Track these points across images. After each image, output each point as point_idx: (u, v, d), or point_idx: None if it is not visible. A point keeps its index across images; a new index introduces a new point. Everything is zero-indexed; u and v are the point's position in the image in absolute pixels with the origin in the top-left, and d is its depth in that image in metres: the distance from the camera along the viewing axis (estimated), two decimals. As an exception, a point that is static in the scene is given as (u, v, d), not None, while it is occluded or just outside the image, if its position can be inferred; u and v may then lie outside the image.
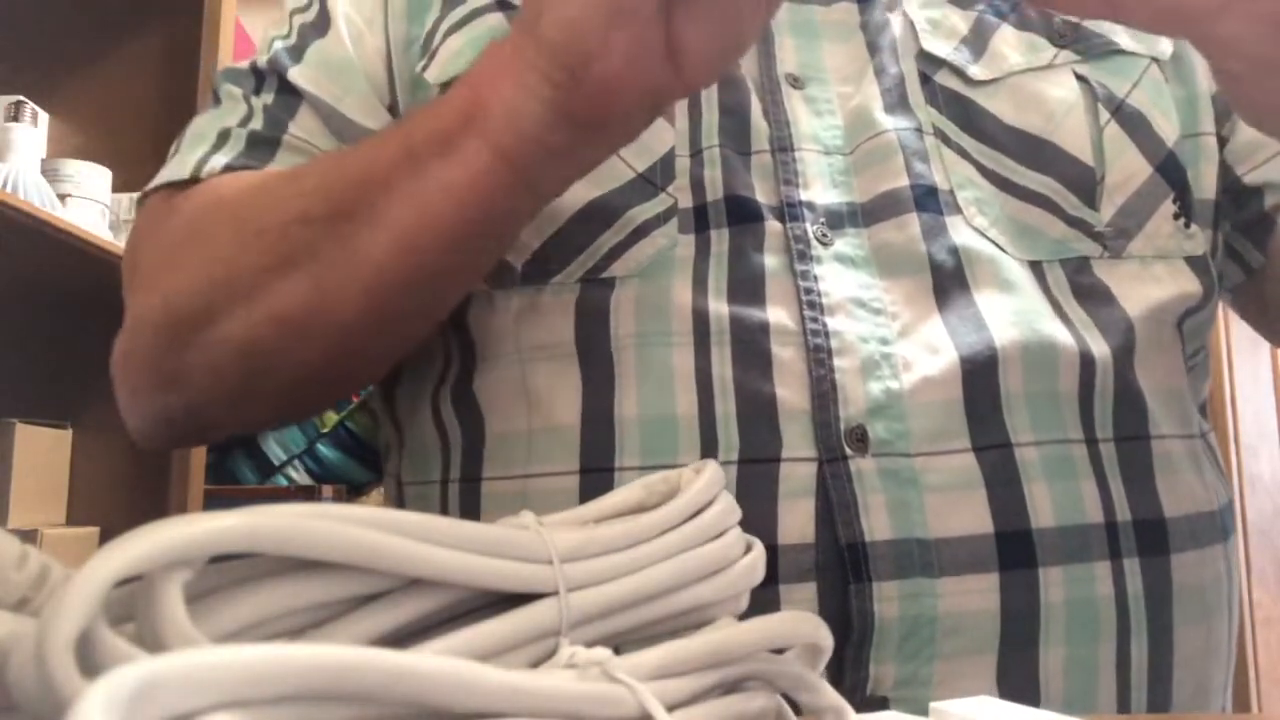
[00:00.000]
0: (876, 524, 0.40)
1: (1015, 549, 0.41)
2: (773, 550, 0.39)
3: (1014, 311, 0.44)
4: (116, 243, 1.27)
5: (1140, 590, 0.42)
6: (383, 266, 0.40)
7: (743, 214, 0.45)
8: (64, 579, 0.19)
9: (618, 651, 0.21)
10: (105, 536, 1.31)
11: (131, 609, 0.17)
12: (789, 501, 0.40)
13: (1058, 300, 0.45)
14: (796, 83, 0.49)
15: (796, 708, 0.25)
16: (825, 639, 0.25)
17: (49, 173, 1.28)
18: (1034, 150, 0.48)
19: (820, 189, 0.46)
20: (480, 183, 0.37)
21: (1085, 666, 0.41)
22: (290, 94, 0.50)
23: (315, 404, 0.50)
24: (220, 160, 0.48)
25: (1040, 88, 0.49)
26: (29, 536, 1.19)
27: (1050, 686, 0.41)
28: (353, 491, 1.64)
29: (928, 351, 0.43)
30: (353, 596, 0.20)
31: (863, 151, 0.47)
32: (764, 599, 0.28)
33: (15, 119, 1.30)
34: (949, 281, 0.44)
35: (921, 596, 0.39)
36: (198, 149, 0.49)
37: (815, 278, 0.44)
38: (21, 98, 1.32)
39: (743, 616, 0.25)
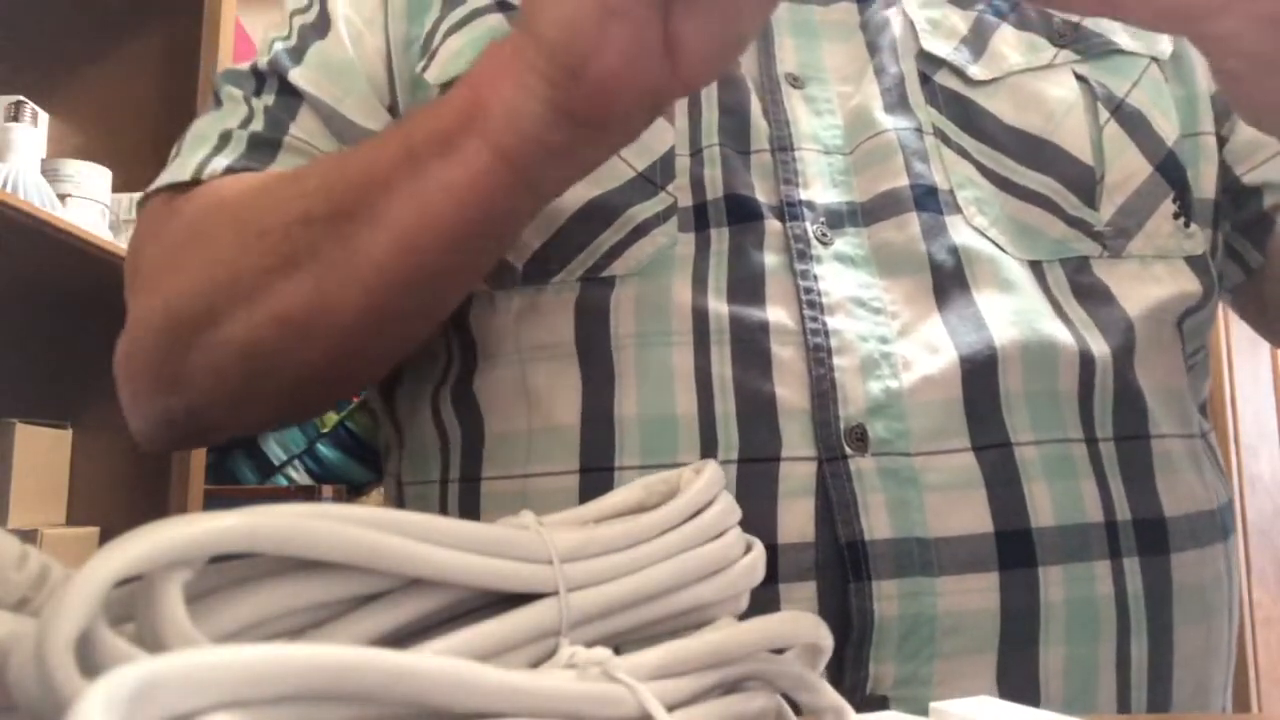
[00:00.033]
0: (876, 523, 0.40)
1: (1015, 548, 0.41)
2: (772, 549, 0.39)
3: (1014, 311, 0.44)
4: (116, 243, 1.27)
5: (1140, 590, 0.42)
6: (383, 266, 0.40)
7: (742, 213, 0.45)
8: (64, 579, 0.19)
9: (618, 651, 0.21)
10: (105, 536, 1.31)
11: (131, 609, 0.17)
12: (789, 501, 0.40)
13: (1057, 300, 0.45)
14: (796, 82, 0.49)
15: (796, 708, 0.25)
16: (825, 639, 0.25)
17: (49, 173, 1.28)
18: (1034, 150, 0.48)
19: (820, 188, 0.46)
20: (480, 182, 0.37)
21: (1085, 666, 0.41)
22: (291, 95, 0.50)
23: (317, 404, 0.50)
24: (221, 162, 0.48)
25: (1040, 87, 0.49)
26: (29, 536, 1.19)
27: (1050, 686, 0.41)
28: (353, 491, 1.64)
29: (927, 351, 0.43)
30: (353, 596, 0.20)
31: (862, 151, 0.47)
32: (764, 598, 0.28)
33: (15, 119, 1.30)
34: (949, 281, 0.44)
35: (921, 595, 0.39)
36: (199, 151, 0.49)
37: (815, 277, 0.44)
38: (21, 98, 1.32)
39: (743, 616, 0.25)
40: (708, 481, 0.26)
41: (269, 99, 0.50)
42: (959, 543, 0.40)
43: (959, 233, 0.45)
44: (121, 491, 1.38)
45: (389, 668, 0.17)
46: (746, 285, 0.44)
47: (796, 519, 0.40)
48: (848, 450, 0.41)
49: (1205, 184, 0.50)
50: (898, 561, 0.40)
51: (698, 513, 0.25)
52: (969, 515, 0.41)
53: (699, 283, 0.44)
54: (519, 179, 0.37)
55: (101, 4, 1.48)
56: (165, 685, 0.14)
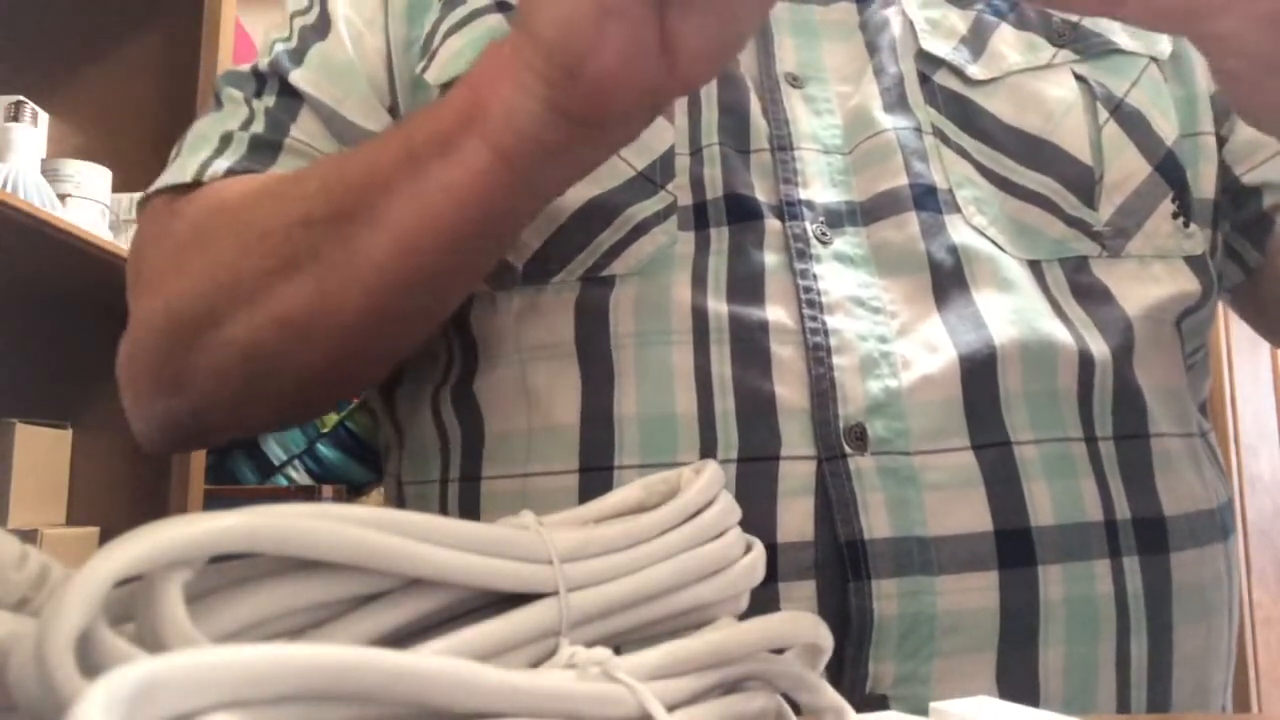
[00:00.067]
0: (875, 522, 0.40)
1: (1014, 547, 0.41)
2: (772, 548, 0.39)
3: (1013, 310, 0.44)
4: (116, 243, 1.27)
5: (1140, 589, 0.42)
6: (384, 268, 0.40)
7: (742, 212, 0.45)
8: (64, 579, 0.19)
9: (618, 651, 0.21)
10: (105, 536, 1.31)
11: (131, 609, 0.17)
12: (788, 500, 0.40)
13: (1056, 299, 0.45)
14: (796, 82, 0.49)
15: (796, 708, 0.25)
16: (825, 639, 0.25)
17: (49, 173, 1.28)
18: (1033, 150, 0.48)
19: (819, 188, 0.46)
20: (480, 183, 0.37)
21: (1084, 665, 0.41)
22: (291, 97, 0.50)
23: (318, 405, 0.50)
24: (222, 164, 0.48)
25: (1039, 87, 0.49)
26: (29, 536, 1.19)
27: (1049, 685, 0.41)
28: (353, 491, 1.64)
29: (927, 350, 0.43)
30: (353, 596, 0.20)
31: (862, 151, 0.47)
32: (763, 597, 0.28)
33: (15, 119, 1.30)
34: (948, 280, 0.44)
35: (921, 594, 0.39)
36: (200, 152, 0.49)
37: (814, 276, 0.44)
38: (21, 98, 1.32)
39: (742, 616, 0.25)
40: (708, 481, 0.26)
41: (269, 100, 0.50)
42: (958, 542, 0.40)
43: (958, 232, 0.45)
44: (121, 491, 1.38)
45: (389, 668, 0.17)
46: (746, 284, 0.44)
47: (796, 518, 0.40)
48: (847, 449, 0.41)
49: (1204, 184, 0.50)
50: (897, 560, 0.40)
51: (698, 513, 0.25)
52: (968, 514, 0.41)
53: (698, 282, 0.44)
54: (518, 179, 0.37)
55: (101, 4, 1.48)
56: (165, 685, 0.14)
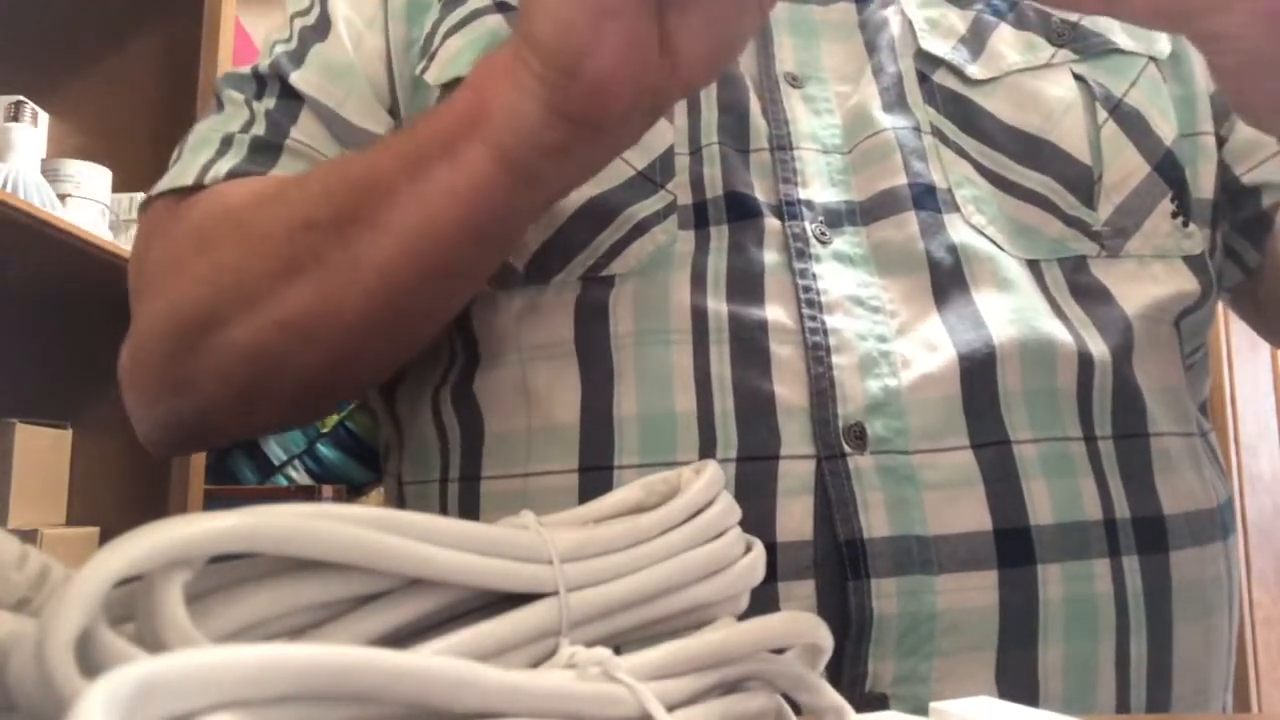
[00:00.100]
0: (875, 521, 0.40)
1: (1014, 546, 0.41)
2: (771, 547, 0.39)
3: (1012, 309, 0.44)
4: (117, 243, 1.27)
5: (1139, 588, 0.42)
6: (386, 270, 0.40)
7: (742, 211, 0.45)
8: (64, 579, 0.19)
9: (618, 651, 0.21)
10: (105, 536, 1.31)
11: (131, 609, 0.17)
12: (787, 499, 0.40)
13: (1055, 299, 0.46)
14: (795, 81, 0.49)
15: (797, 708, 0.25)
16: (825, 639, 0.25)
17: (49, 173, 1.28)
18: (1032, 149, 0.48)
19: (819, 187, 0.46)
20: (481, 185, 0.37)
21: (1084, 664, 0.41)
22: (292, 98, 0.50)
23: (321, 407, 0.50)
24: (224, 166, 0.48)
25: (1038, 87, 0.49)
26: (29, 536, 1.19)
27: (1049, 684, 0.41)
28: (353, 491, 1.64)
29: (926, 349, 0.43)
30: (353, 596, 0.20)
31: (861, 150, 0.47)
32: (763, 596, 0.28)
33: (15, 119, 1.30)
34: (947, 279, 0.44)
35: (920, 593, 0.39)
36: (201, 155, 0.49)
37: (814, 276, 0.44)
38: (21, 98, 1.32)
39: (742, 615, 0.25)
40: (708, 481, 0.26)
41: (270, 102, 0.50)
42: (958, 541, 0.40)
43: (957, 231, 0.45)
44: (121, 491, 1.38)
45: (389, 668, 0.17)
46: (745, 284, 0.44)
47: (795, 517, 0.40)
48: (846, 448, 0.41)
49: (1204, 184, 0.50)
50: (896, 559, 0.40)
51: (698, 513, 0.25)
52: (968, 513, 0.41)
53: (698, 281, 0.44)
54: (519, 181, 0.37)
55: (101, 4, 1.48)
56: (165, 685, 0.14)
